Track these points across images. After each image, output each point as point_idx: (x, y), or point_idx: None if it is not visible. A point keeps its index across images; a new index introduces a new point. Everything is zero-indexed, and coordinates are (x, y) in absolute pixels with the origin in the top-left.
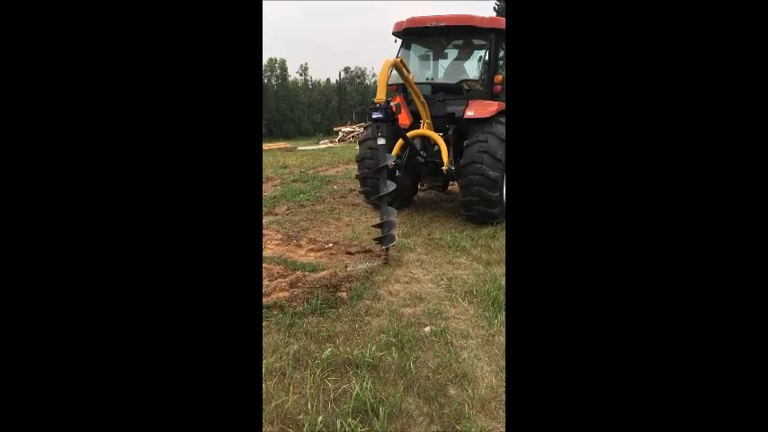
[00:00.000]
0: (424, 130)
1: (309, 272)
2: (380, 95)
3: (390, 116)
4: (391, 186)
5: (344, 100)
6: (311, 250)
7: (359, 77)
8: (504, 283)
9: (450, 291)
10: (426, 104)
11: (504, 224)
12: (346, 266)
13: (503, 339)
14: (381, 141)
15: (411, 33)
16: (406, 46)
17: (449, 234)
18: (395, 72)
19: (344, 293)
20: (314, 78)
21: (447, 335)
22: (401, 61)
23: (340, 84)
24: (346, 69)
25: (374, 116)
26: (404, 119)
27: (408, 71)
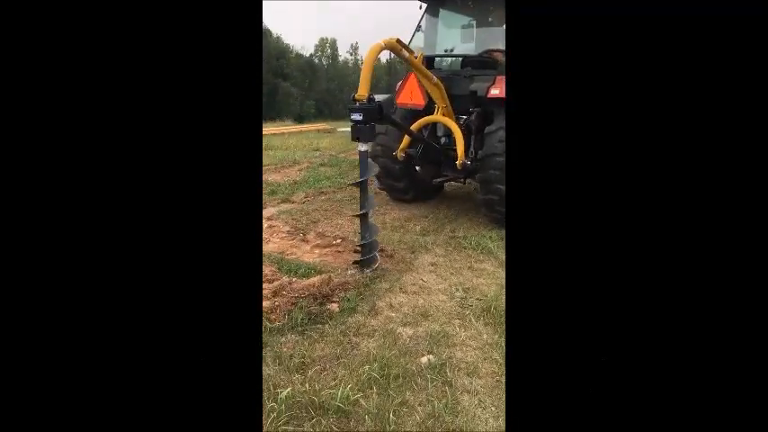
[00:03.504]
0: (438, 115)
1: (301, 277)
2: (362, 90)
3: (374, 116)
4: (371, 204)
5: (394, 79)
6: (317, 246)
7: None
8: None
9: (464, 306)
10: (441, 86)
11: None
12: (347, 270)
13: None
14: (363, 148)
15: None
16: (432, 13)
17: (475, 232)
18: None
19: (335, 305)
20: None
21: (448, 370)
22: (398, 41)
23: (390, 63)
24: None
25: (353, 117)
26: (418, 99)
27: (410, 51)
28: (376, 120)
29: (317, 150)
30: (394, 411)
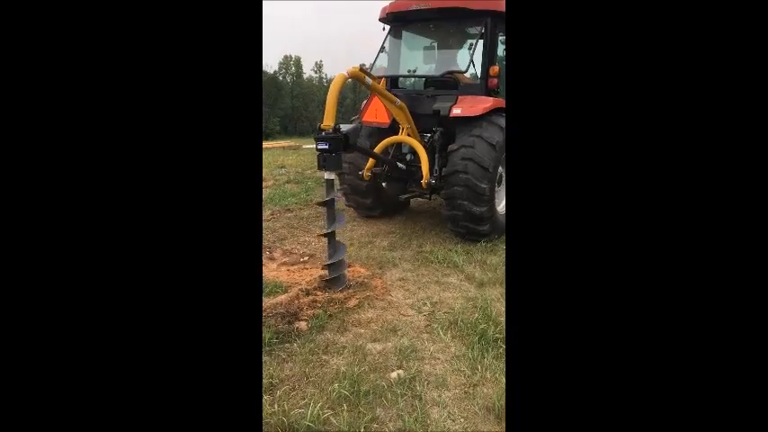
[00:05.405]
0: (402, 136)
1: (268, 296)
2: (328, 120)
3: (340, 146)
4: (340, 223)
5: (359, 97)
6: (284, 264)
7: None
8: (496, 311)
9: (432, 320)
10: (405, 108)
11: (502, 238)
12: (317, 286)
13: (486, 390)
14: (328, 176)
15: (397, 19)
16: (394, 34)
17: (442, 247)
18: (384, 64)
19: (304, 323)
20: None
21: (417, 384)
22: (360, 69)
23: (355, 82)
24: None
25: (319, 147)
26: (383, 117)
27: (373, 77)
28: (342, 149)
29: (283, 167)
30: (365, 428)
